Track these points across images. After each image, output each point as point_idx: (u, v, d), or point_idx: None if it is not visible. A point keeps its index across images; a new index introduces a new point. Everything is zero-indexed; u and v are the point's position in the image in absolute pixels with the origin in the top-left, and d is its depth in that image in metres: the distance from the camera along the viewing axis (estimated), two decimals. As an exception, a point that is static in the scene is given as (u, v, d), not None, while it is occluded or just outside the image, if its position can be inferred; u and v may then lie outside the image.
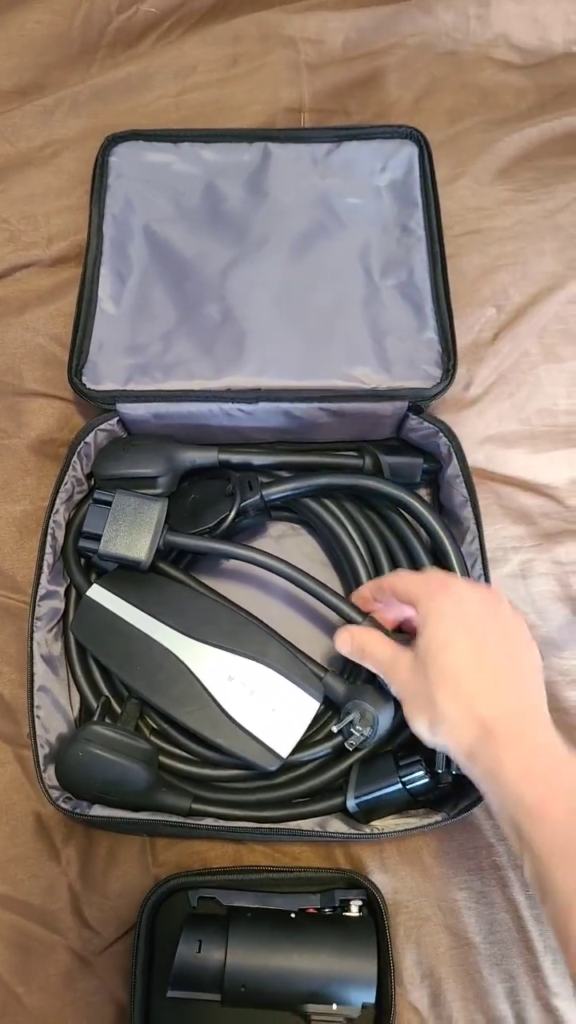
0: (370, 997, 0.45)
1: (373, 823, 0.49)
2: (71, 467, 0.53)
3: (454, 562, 0.51)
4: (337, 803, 0.49)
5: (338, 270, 0.58)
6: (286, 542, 0.59)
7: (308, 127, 0.68)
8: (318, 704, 0.49)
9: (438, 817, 0.48)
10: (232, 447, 0.56)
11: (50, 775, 0.48)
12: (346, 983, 0.45)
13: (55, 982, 0.49)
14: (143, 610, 0.50)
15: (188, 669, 0.49)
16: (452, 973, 0.49)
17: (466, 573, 0.51)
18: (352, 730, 0.46)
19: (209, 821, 0.48)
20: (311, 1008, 0.45)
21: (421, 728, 0.41)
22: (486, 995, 0.48)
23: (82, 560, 0.54)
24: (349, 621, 0.48)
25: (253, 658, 0.49)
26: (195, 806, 0.48)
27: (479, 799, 0.47)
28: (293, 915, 0.47)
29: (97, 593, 0.51)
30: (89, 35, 0.70)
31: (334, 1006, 0.44)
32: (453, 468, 0.54)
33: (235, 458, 0.55)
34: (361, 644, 0.45)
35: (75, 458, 0.53)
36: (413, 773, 0.48)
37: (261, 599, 0.56)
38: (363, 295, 0.57)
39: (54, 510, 0.52)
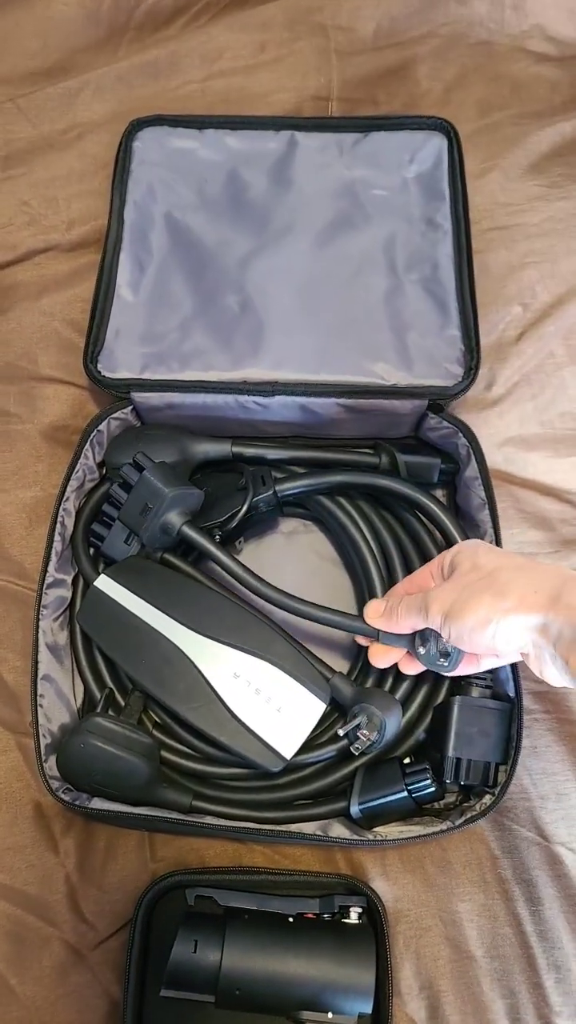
0: (367, 1007, 0.44)
1: (376, 829, 0.48)
2: (83, 455, 0.53)
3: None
4: (340, 807, 0.48)
5: (361, 263, 0.57)
6: (297, 539, 0.58)
7: (335, 116, 0.67)
8: (324, 705, 0.48)
9: (443, 826, 0.47)
10: (246, 440, 0.55)
11: (51, 765, 0.48)
12: (343, 992, 0.44)
13: (48, 974, 0.48)
14: (150, 603, 0.50)
15: (194, 665, 0.48)
16: (451, 986, 0.48)
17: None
18: (359, 734, 0.46)
19: (209, 819, 0.47)
20: (306, 1015, 0.44)
21: (480, 614, 0.38)
22: (486, 1010, 0.47)
23: (91, 550, 0.54)
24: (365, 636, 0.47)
25: (260, 656, 0.48)
26: (196, 803, 0.48)
27: (486, 810, 0.46)
28: (291, 919, 0.46)
29: (105, 584, 0.51)
30: (117, 18, 0.70)
31: (329, 1014, 0.44)
32: (471, 470, 0.53)
33: (249, 451, 0.54)
34: (393, 603, 0.45)
35: (87, 446, 0.53)
36: (420, 781, 0.47)
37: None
38: (386, 289, 0.56)
39: (64, 497, 0.52)
